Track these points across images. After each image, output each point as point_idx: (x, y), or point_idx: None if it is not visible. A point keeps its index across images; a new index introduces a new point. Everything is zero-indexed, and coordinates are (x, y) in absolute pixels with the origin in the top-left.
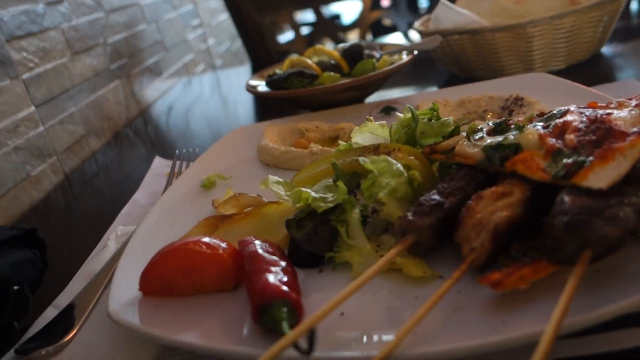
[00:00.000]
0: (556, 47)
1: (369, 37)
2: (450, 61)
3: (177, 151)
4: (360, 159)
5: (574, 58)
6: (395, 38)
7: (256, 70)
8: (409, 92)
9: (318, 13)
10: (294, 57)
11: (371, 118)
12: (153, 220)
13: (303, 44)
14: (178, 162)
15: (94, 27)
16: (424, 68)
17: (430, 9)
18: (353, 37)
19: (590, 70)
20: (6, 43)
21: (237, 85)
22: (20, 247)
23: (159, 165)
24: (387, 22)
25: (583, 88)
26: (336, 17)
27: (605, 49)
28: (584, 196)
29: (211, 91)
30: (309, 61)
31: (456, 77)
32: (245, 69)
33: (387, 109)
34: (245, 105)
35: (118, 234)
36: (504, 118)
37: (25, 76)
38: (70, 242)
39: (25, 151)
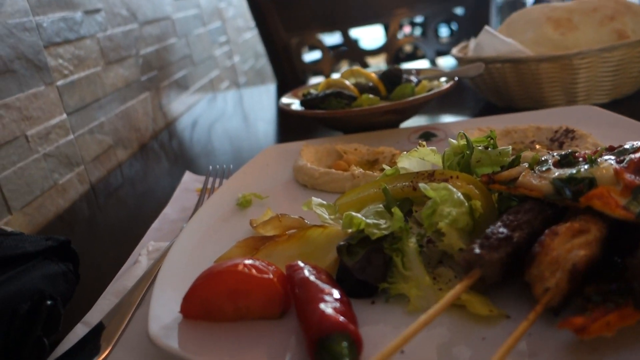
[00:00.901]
0: (602, 81)
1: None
2: (489, 89)
3: (210, 167)
4: (421, 185)
5: (619, 92)
6: (420, 65)
7: (282, 88)
8: (444, 118)
9: (345, 36)
10: (332, 78)
11: (424, 143)
12: (189, 238)
13: (329, 65)
14: (210, 179)
15: (128, 38)
16: (458, 94)
17: (455, 36)
18: (377, 61)
19: (635, 105)
20: (44, 49)
21: (260, 103)
22: (55, 259)
23: (189, 180)
24: (407, 48)
25: (634, 122)
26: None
27: None
28: None
29: (234, 108)
30: (347, 82)
31: (492, 105)
32: (269, 88)
33: (427, 135)
34: (267, 125)
35: (150, 250)
36: (569, 150)
37: (59, 83)
38: (96, 255)
39: (55, 159)
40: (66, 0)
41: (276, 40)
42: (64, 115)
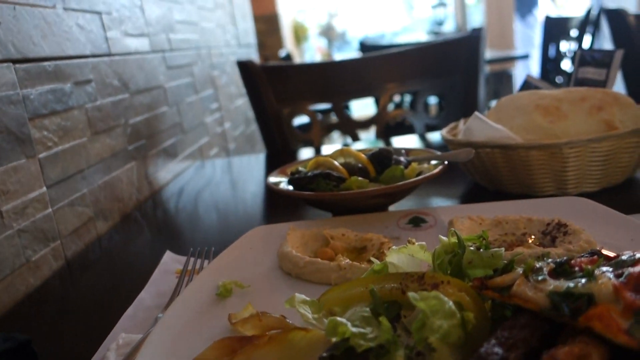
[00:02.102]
0: (591, 170)
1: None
2: (479, 173)
3: (191, 249)
4: (410, 294)
5: (609, 181)
6: (409, 140)
7: (272, 157)
8: (434, 200)
9: (337, 108)
10: (320, 157)
11: (413, 240)
12: (162, 333)
13: (320, 135)
14: (192, 260)
15: (117, 107)
16: (448, 176)
17: (445, 110)
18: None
19: (625, 196)
20: (28, 121)
21: (249, 173)
22: None
23: (169, 260)
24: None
25: (628, 218)
26: (346, 113)
27: None
28: None
29: (222, 177)
30: (336, 162)
31: (482, 188)
32: (258, 157)
33: (416, 220)
34: (255, 197)
35: (120, 344)
36: (565, 257)
37: (42, 155)
38: (64, 343)
39: (29, 234)
40: (56, 71)
41: (268, 110)
42: (44, 189)
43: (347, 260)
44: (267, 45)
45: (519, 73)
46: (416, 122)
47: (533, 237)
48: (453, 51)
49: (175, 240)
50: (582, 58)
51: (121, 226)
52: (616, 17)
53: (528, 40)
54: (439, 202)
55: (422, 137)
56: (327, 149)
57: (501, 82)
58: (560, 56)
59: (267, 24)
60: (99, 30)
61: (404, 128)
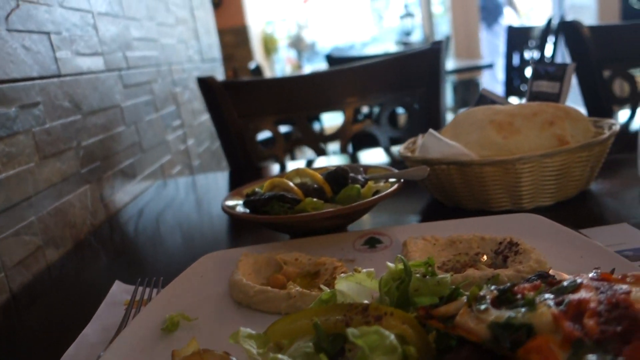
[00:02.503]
0: (545, 184)
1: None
2: (436, 189)
3: (139, 278)
4: (349, 330)
5: (562, 195)
6: (376, 153)
7: (235, 175)
8: (392, 218)
9: (301, 122)
10: (276, 178)
11: (359, 269)
12: None
13: (283, 151)
14: (140, 291)
15: (68, 130)
16: (407, 193)
17: (409, 125)
18: (334, 147)
19: (579, 209)
20: None
21: (213, 191)
22: None
23: (117, 291)
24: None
25: (577, 235)
26: (310, 128)
27: (595, 186)
28: None
29: (185, 196)
30: (291, 183)
31: (440, 204)
32: (223, 175)
33: (372, 241)
34: (218, 217)
35: None
36: (508, 285)
37: None
38: None
39: None
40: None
41: (230, 127)
42: None
43: (298, 288)
44: (237, 57)
45: (486, 81)
46: (380, 135)
47: (485, 257)
48: (415, 64)
49: (132, 266)
50: (536, 72)
51: (74, 253)
52: (571, 29)
53: (494, 48)
54: (399, 219)
55: (387, 151)
56: (292, 165)
57: (469, 90)
58: (524, 64)
59: (236, 36)
60: (47, 51)
61: (374, 139)
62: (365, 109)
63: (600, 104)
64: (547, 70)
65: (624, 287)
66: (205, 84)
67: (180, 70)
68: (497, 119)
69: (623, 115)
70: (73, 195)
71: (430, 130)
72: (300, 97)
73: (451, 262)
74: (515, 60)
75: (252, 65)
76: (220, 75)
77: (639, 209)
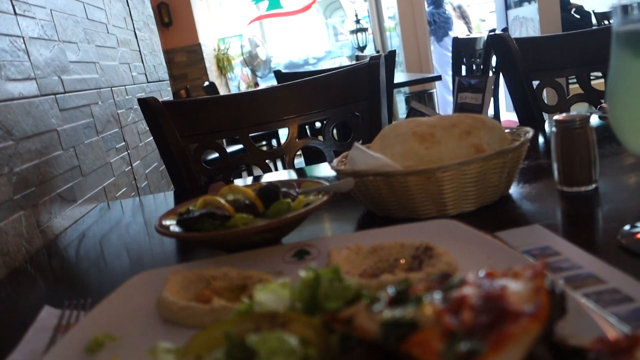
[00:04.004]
0: (466, 191)
1: (301, 159)
2: (367, 200)
3: (65, 301)
4: (249, 337)
5: (484, 200)
6: (326, 166)
7: (180, 194)
8: (326, 229)
9: (245, 139)
10: (208, 196)
11: (270, 277)
12: None
13: (229, 169)
14: (68, 314)
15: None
16: (343, 203)
17: (353, 139)
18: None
19: (498, 213)
20: None
21: (161, 211)
22: None
23: (47, 316)
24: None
25: (488, 238)
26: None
27: (514, 190)
28: None
29: (133, 217)
30: (222, 201)
31: (372, 214)
32: (170, 195)
33: (301, 253)
34: (162, 237)
35: None
36: (404, 284)
37: None
38: None
39: None
40: None
41: (172, 147)
42: None
43: (221, 302)
44: (190, 76)
45: (439, 91)
46: (325, 149)
47: (403, 261)
48: (355, 79)
49: (72, 291)
50: (460, 84)
51: (8, 282)
52: (499, 42)
53: (446, 61)
54: (334, 230)
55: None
56: (239, 182)
57: (423, 100)
58: (472, 74)
59: (189, 55)
60: None
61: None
62: (318, 124)
63: (531, 112)
64: (470, 83)
65: (504, 282)
66: (147, 105)
67: (124, 91)
68: (419, 130)
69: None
70: (5, 222)
71: (355, 144)
72: (242, 115)
73: (372, 269)
74: (463, 70)
75: (205, 84)
76: (167, 95)
77: (551, 211)
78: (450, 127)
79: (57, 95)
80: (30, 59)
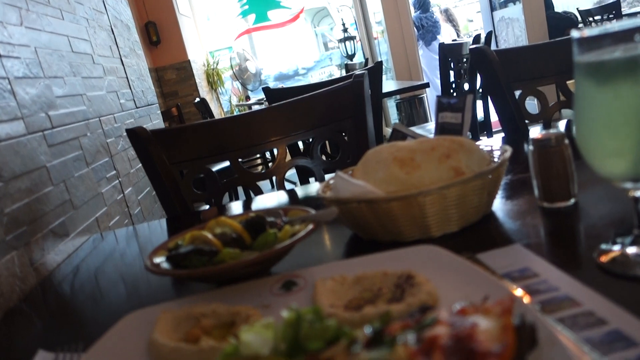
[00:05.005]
0: (448, 213)
1: (294, 177)
2: (353, 225)
3: (57, 347)
4: None
5: (466, 221)
6: (315, 186)
7: (172, 220)
8: (314, 255)
9: (235, 163)
10: (195, 230)
11: (258, 312)
12: None
13: (220, 194)
14: (62, 357)
15: None
16: (330, 228)
17: (341, 156)
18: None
19: (480, 233)
20: None
21: (156, 238)
22: None
23: None
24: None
25: (468, 264)
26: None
27: (497, 207)
28: None
29: (127, 246)
30: (210, 235)
31: (359, 239)
32: (161, 223)
33: (288, 285)
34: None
35: None
36: (379, 326)
37: None
38: None
39: None
40: None
41: (162, 175)
42: None
43: (210, 343)
44: (180, 93)
45: (431, 96)
46: (314, 168)
47: (386, 291)
48: (339, 97)
49: (70, 329)
50: (440, 104)
51: (4, 324)
52: (478, 55)
53: (435, 65)
54: (322, 257)
55: (323, 181)
56: (231, 206)
57: (414, 107)
58: (460, 79)
59: (178, 72)
60: None
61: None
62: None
63: (515, 122)
64: (450, 102)
65: (474, 319)
66: (134, 135)
67: (112, 120)
68: (399, 155)
69: (536, 131)
70: None
71: (338, 172)
72: (230, 139)
73: (356, 300)
74: (451, 76)
75: (196, 100)
76: (157, 119)
77: (532, 229)
78: (430, 151)
79: (45, 132)
80: (16, 99)
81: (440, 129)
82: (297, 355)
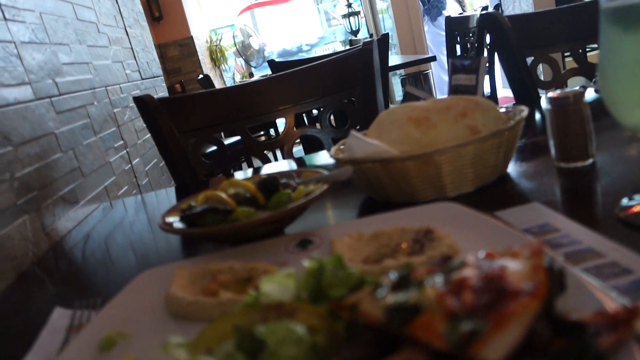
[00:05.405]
0: (464, 172)
1: (299, 148)
2: (367, 186)
3: (75, 301)
4: (257, 328)
5: (482, 181)
6: (324, 155)
7: (181, 191)
8: (328, 217)
9: (243, 132)
10: (209, 191)
11: (275, 269)
12: None
13: (229, 162)
14: (79, 314)
15: None
16: (344, 190)
17: (350, 125)
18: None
19: (498, 193)
20: None
21: (164, 207)
22: None
23: (58, 318)
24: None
25: (488, 219)
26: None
27: (512, 169)
28: None
29: (136, 215)
30: (224, 195)
31: (372, 200)
32: (172, 190)
33: (304, 243)
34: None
35: None
36: (406, 268)
37: None
38: None
39: None
40: None
41: (170, 144)
42: None
43: (228, 296)
44: (184, 70)
45: (435, 71)
46: (323, 137)
47: (405, 246)
48: (348, 65)
49: (82, 292)
50: (453, 66)
51: (17, 286)
52: (491, 21)
53: (440, 40)
54: (336, 218)
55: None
56: (239, 175)
57: (419, 83)
58: (467, 53)
59: (181, 49)
60: None
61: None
62: (315, 111)
63: (526, 90)
64: (464, 64)
65: (502, 262)
66: (142, 103)
67: (118, 90)
68: (414, 115)
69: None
70: (10, 227)
71: (352, 132)
72: (237, 108)
73: (374, 255)
74: (458, 50)
75: (199, 77)
76: (162, 91)
77: (550, 187)
78: (445, 110)
79: (52, 98)
80: (23, 64)
81: (454, 91)
82: (319, 303)
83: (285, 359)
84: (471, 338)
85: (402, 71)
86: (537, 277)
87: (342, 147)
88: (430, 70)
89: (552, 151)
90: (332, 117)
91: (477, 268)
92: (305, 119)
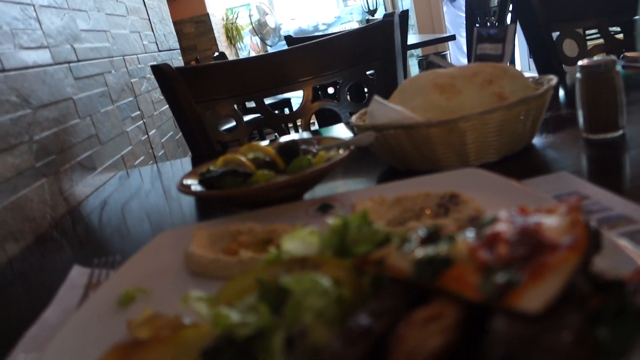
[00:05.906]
0: (488, 141)
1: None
2: (388, 154)
3: (95, 259)
4: (282, 279)
5: (506, 150)
6: (341, 128)
7: (197, 162)
8: (348, 185)
9: (261, 104)
10: (229, 154)
11: (299, 225)
12: (56, 349)
13: (246, 134)
14: (97, 272)
15: (18, 124)
16: (363, 159)
17: (369, 99)
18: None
19: (523, 162)
20: None
21: (180, 177)
22: None
23: (77, 275)
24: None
25: (514, 184)
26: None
27: (537, 140)
28: (519, 321)
29: (151, 184)
30: (243, 159)
31: (393, 169)
32: (188, 160)
33: (324, 207)
34: (188, 199)
35: None
36: (435, 226)
37: None
38: None
39: None
40: None
41: (188, 114)
42: None
43: (249, 254)
44: (199, 47)
45: (453, 53)
46: (340, 111)
47: (429, 211)
48: (369, 38)
49: (98, 254)
50: (479, 35)
51: (35, 247)
52: None
53: (459, 22)
54: (355, 185)
55: (350, 125)
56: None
57: (437, 64)
58: None
59: (197, 26)
60: None
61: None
62: (330, 90)
63: (551, 64)
64: (490, 33)
65: (537, 217)
66: (160, 71)
67: (136, 60)
68: (439, 81)
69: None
70: (29, 189)
71: (375, 97)
72: (256, 79)
73: (397, 219)
74: None
75: (215, 54)
76: (179, 64)
77: (577, 158)
78: (471, 77)
79: (70, 64)
80: (42, 27)
81: (479, 61)
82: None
83: (310, 310)
84: (507, 289)
85: (419, 52)
86: (576, 231)
87: (363, 116)
88: (448, 52)
89: (581, 122)
90: (347, 94)
91: (511, 223)
92: (320, 96)
